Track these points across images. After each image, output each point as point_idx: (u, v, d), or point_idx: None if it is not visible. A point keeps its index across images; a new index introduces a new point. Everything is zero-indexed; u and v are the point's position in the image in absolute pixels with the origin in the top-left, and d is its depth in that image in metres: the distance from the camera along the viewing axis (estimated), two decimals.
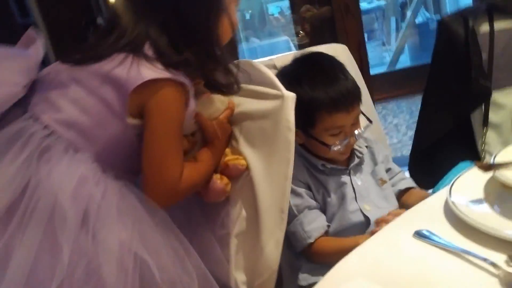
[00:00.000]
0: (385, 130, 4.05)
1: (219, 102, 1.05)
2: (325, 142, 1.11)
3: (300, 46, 3.02)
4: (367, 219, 1.15)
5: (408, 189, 1.26)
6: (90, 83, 0.90)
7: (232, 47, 2.45)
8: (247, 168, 1.00)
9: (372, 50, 7.10)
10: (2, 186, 0.82)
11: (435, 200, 0.90)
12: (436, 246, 0.77)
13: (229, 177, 1.04)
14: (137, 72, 0.88)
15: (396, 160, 3.14)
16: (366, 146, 1.24)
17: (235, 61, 1.11)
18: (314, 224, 1.11)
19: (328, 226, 1.13)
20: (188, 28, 0.94)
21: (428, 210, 0.89)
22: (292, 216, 1.12)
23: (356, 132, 1.13)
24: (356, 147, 1.21)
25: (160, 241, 0.90)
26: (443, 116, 1.56)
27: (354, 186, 1.17)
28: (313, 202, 1.14)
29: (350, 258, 0.78)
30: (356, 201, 1.16)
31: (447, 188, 0.88)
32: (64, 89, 0.90)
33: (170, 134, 0.91)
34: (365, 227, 1.15)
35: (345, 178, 1.18)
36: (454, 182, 0.90)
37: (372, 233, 0.96)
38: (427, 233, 0.80)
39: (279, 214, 0.96)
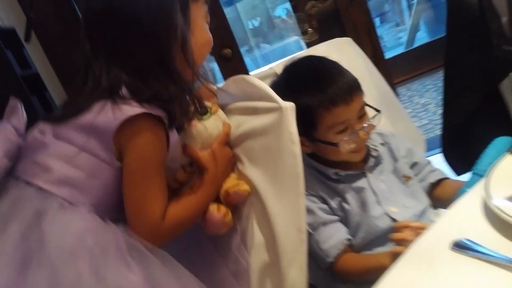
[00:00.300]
0: (413, 112, 3.91)
1: (212, 127, 0.99)
2: (332, 141, 1.02)
3: (309, 44, 2.96)
4: (396, 222, 1.01)
5: (439, 181, 1.14)
6: (75, 138, 0.88)
7: (238, 60, 2.43)
8: (251, 192, 0.93)
9: (387, 33, 6.95)
10: (5, 261, 0.80)
11: (470, 200, 0.76)
12: (480, 259, 0.63)
13: (232, 205, 0.97)
14: (113, 116, 0.85)
15: (429, 143, 3.02)
16: (382, 144, 1.14)
17: (228, 79, 1.07)
18: (331, 242, 1.01)
19: (349, 239, 1.02)
20: (156, 62, 0.89)
21: (464, 213, 0.75)
22: (308, 235, 1.03)
23: (365, 125, 1.03)
24: (370, 146, 1.11)
25: (172, 282, 0.86)
26: (469, 90, 1.46)
27: (374, 189, 1.06)
28: (328, 217, 1.04)
29: (383, 285, 0.66)
30: (380, 204, 1.05)
31: (482, 183, 0.76)
32: (50, 149, 0.89)
33: (147, 172, 0.88)
34: (395, 232, 1.04)
35: (362, 183, 1.07)
36: (490, 175, 0.75)
37: (394, 254, 0.84)
38: (467, 243, 0.66)
39: (298, 235, 0.88)
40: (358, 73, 1.19)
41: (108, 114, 0.85)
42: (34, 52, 2.05)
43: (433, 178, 1.13)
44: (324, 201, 1.05)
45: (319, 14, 2.96)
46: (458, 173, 1.55)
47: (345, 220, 1.05)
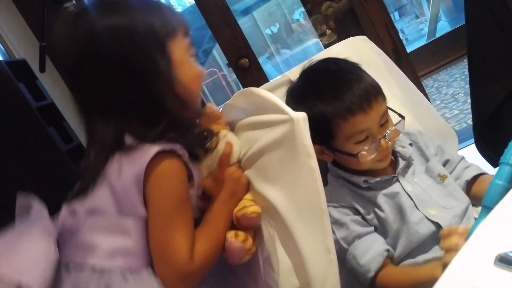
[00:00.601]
0: (442, 103, 3.80)
1: (215, 152, 0.94)
2: (351, 152, 0.95)
3: (329, 46, 2.91)
4: (437, 225, 0.96)
5: (476, 178, 1.05)
6: (106, 206, 0.83)
7: (256, 69, 2.42)
8: (271, 213, 0.87)
9: (407, 26, 6.84)
10: None
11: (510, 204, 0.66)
12: None
13: (249, 229, 0.91)
14: (133, 169, 0.81)
15: (462, 133, 2.92)
16: (410, 144, 1.06)
17: (236, 92, 1.03)
18: (368, 255, 0.93)
19: (388, 250, 0.95)
20: (148, 105, 0.85)
21: (507, 221, 0.64)
22: (343, 251, 0.96)
23: (387, 131, 0.95)
24: (398, 148, 1.03)
25: None
26: (497, 78, 1.39)
27: (408, 193, 0.99)
28: (362, 229, 0.97)
29: None
30: (418, 208, 0.97)
31: None
32: (88, 226, 0.85)
33: (171, 211, 0.82)
34: (435, 238, 0.94)
35: (395, 187, 1.00)
36: None
37: (445, 263, 0.78)
38: None
39: (326, 256, 0.82)
40: (377, 71, 1.14)
41: (127, 170, 0.81)
42: (49, 81, 2.07)
43: (468, 175, 1.05)
44: (357, 212, 0.99)
45: (335, 14, 2.92)
46: (495, 165, 1.48)
47: (382, 230, 0.98)
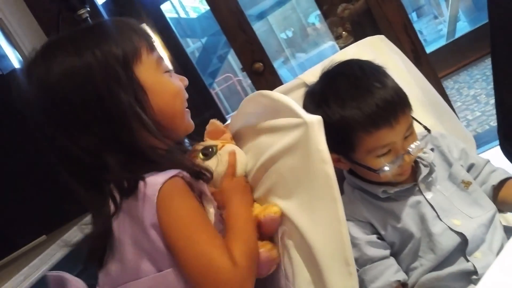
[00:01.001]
0: (463, 105, 3.71)
1: (217, 165, 0.89)
2: (372, 166, 0.88)
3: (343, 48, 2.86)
4: (462, 236, 0.89)
5: (503, 182, 0.98)
6: (133, 265, 0.75)
7: (271, 73, 2.38)
8: (285, 224, 0.82)
9: (426, 26, 6.74)
10: None
11: None
12: None
13: (267, 234, 0.86)
14: (143, 211, 0.73)
15: (484, 136, 2.83)
16: (432, 149, 0.98)
17: (244, 99, 0.98)
18: (378, 283, 0.87)
19: (398, 281, 0.88)
20: (124, 139, 0.77)
21: None
22: None
23: (412, 146, 0.87)
24: (419, 154, 0.95)
25: None
26: None
27: (430, 202, 0.92)
28: (375, 253, 0.90)
29: None
30: (440, 219, 0.90)
31: None
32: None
33: (191, 228, 0.74)
34: (464, 247, 0.89)
35: (417, 197, 0.93)
36: None
37: None
38: None
39: (346, 268, 0.76)
40: (396, 72, 1.08)
41: (137, 211, 0.74)
42: None
43: (494, 180, 0.98)
44: (373, 228, 0.93)
45: (352, 16, 2.88)
46: None
47: (401, 243, 0.92)
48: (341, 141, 0.88)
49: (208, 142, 0.96)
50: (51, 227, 1.55)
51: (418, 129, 0.96)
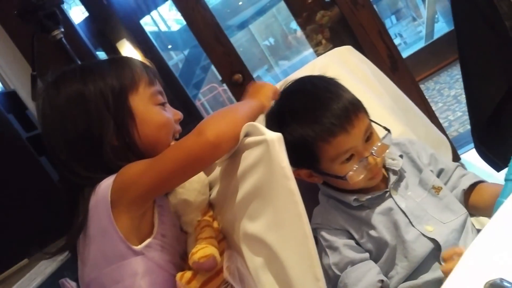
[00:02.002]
0: (444, 105, 3.75)
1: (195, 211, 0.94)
2: (338, 174, 0.90)
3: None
4: (435, 242, 0.90)
5: (473, 187, 0.98)
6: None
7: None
8: (258, 244, 0.83)
9: (405, 29, 6.81)
10: None
11: (506, 224, 0.61)
12: None
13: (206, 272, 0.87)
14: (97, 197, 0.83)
15: (466, 136, 2.86)
16: (401, 155, 0.99)
17: None
18: (361, 285, 0.87)
19: (382, 281, 0.88)
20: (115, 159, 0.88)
21: (500, 243, 0.58)
22: (335, 278, 0.91)
23: (374, 148, 0.89)
24: (388, 161, 0.97)
25: None
26: (493, 80, 1.34)
27: (402, 208, 0.93)
28: (355, 255, 0.91)
29: None
30: (413, 225, 0.91)
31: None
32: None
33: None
34: (437, 253, 0.89)
35: (388, 203, 0.93)
36: None
37: None
38: (504, 284, 0.50)
39: (315, 284, 0.76)
40: (364, 81, 1.10)
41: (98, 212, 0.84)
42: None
43: (465, 184, 0.99)
44: (351, 235, 0.94)
45: (330, 23, 2.91)
46: (498, 169, 1.42)
47: (378, 251, 0.93)
48: (305, 155, 0.90)
49: None
50: (33, 250, 1.54)
51: (382, 133, 0.98)
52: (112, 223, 0.81)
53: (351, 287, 0.88)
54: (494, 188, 0.94)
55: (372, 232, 0.92)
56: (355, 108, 0.89)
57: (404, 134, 1.08)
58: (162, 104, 0.95)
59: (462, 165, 1.06)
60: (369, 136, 0.91)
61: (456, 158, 2.26)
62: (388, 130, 0.92)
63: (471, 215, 0.98)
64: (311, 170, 0.94)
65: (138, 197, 0.82)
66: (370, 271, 0.89)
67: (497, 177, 1.49)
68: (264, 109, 0.95)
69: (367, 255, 0.92)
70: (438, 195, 0.95)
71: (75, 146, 0.87)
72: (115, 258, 0.83)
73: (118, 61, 0.95)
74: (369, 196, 0.93)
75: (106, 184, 0.82)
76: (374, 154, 0.89)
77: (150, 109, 0.92)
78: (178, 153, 0.82)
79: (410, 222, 0.91)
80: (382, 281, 0.88)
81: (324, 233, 0.93)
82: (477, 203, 0.97)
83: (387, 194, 0.95)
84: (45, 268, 1.27)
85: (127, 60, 0.97)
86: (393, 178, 0.95)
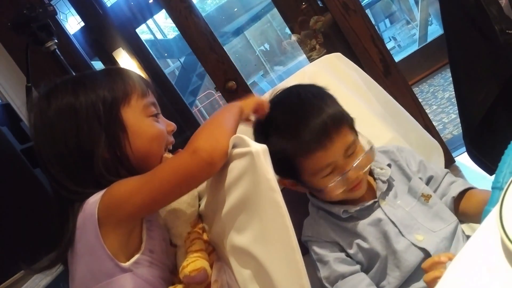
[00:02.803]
0: (439, 108, 3.76)
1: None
2: (318, 187, 0.90)
3: None
4: (425, 252, 0.89)
5: (463, 193, 0.98)
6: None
7: (244, 91, 2.40)
8: (247, 258, 0.82)
9: (399, 32, 6.84)
10: None
11: (487, 235, 0.58)
12: None
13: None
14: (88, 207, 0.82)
15: (461, 138, 2.86)
16: (389, 164, 0.98)
17: None
18: None
19: None
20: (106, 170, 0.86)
21: (483, 252, 0.57)
22: None
23: (356, 161, 0.88)
24: (376, 170, 0.96)
25: None
26: (483, 82, 1.35)
27: (391, 219, 0.92)
28: (346, 269, 0.90)
29: None
30: (403, 235, 0.91)
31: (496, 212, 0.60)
32: None
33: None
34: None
35: (378, 214, 0.93)
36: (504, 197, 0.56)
37: None
38: None
39: None
40: (354, 88, 1.11)
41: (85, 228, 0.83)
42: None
43: (454, 191, 0.98)
44: (341, 248, 0.94)
45: (324, 28, 2.92)
46: (490, 172, 1.43)
47: (369, 262, 0.93)
48: (287, 168, 0.90)
49: None
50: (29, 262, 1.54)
51: (379, 143, 0.98)
52: (99, 241, 0.80)
53: None
54: (482, 196, 0.94)
55: (363, 244, 0.92)
56: (336, 123, 0.88)
57: (394, 140, 1.08)
58: (155, 115, 0.94)
59: (457, 168, 1.05)
60: (352, 151, 0.89)
61: (450, 160, 2.27)
62: (371, 143, 0.91)
63: (462, 222, 0.98)
64: (295, 181, 0.94)
65: (128, 216, 0.81)
66: (361, 283, 0.89)
67: (492, 179, 1.50)
68: (242, 114, 0.93)
69: (358, 267, 0.92)
70: (427, 203, 0.95)
71: (65, 159, 0.86)
72: (103, 276, 0.82)
73: (111, 73, 0.95)
74: (358, 208, 0.93)
75: (94, 201, 0.81)
76: (354, 169, 0.88)
77: (142, 121, 0.91)
78: (172, 172, 0.80)
79: (400, 232, 0.91)
80: None
81: (314, 247, 0.94)
82: (467, 210, 0.97)
83: (376, 204, 0.94)
84: (39, 280, 1.26)
85: (120, 72, 0.96)
86: (383, 187, 0.95)
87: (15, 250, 1.51)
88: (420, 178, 0.99)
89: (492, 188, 0.78)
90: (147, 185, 0.80)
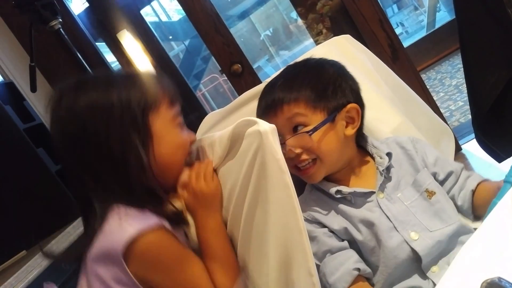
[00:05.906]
0: (446, 95, 3.73)
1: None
2: None
3: None
4: (415, 254, 0.86)
5: (477, 187, 0.94)
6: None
7: (249, 74, 2.37)
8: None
9: (407, 18, 6.76)
10: None
11: (501, 224, 0.59)
12: None
13: None
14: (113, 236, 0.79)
15: (467, 125, 2.84)
16: (388, 153, 0.94)
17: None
18: (338, 273, 0.84)
19: (358, 269, 0.85)
20: (128, 176, 0.84)
21: (496, 243, 0.56)
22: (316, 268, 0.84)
23: (288, 138, 0.90)
24: (377, 158, 0.93)
25: None
26: (494, 68, 1.32)
27: (386, 213, 0.88)
28: (334, 244, 0.88)
29: None
30: (397, 230, 0.87)
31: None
32: None
33: (176, 274, 0.81)
34: (415, 263, 0.86)
35: (374, 206, 0.90)
36: None
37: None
38: (503, 284, 0.49)
39: (309, 279, 0.75)
40: (363, 70, 1.08)
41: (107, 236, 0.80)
42: (37, 102, 2.04)
43: (472, 185, 0.94)
44: (326, 227, 0.91)
45: (331, 12, 2.88)
46: (499, 159, 1.41)
47: (356, 251, 0.90)
48: None
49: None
50: (30, 242, 1.54)
51: (388, 128, 0.95)
52: (128, 274, 0.79)
53: (329, 276, 0.86)
54: (491, 186, 0.91)
55: (352, 232, 0.89)
56: (276, 104, 0.92)
57: (403, 125, 1.06)
58: (181, 124, 0.93)
59: (464, 156, 1.03)
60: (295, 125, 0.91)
61: (457, 148, 2.24)
62: (309, 131, 0.89)
63: (478, 218, 0.94)
64: None
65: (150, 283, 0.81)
66: (348, 260, 0.87)
67: (498, 167, 1.48)
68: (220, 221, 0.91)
69: (346, 243, 0.90)
70: (430, 200, 0.91)
71: (90, 157, 0.84)
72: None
73: (141, 77, 0.92)
74: (352, 190, 0.90)
75: (118, 242, 0.78)
76: (287, 144, 0.89)
77: (170, 130, 0.90)
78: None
79: (395, 227, 0.88)
80: (359, 269, 0.86)
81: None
82: (479, 203, 0.94)
83: (374, 194, 0.91)
84: (41, 260, 1.26)
85: (150, 77, 0.94)
86: (380, 179, 0.92)
87: (17, 230, 1.51)
88: (434, 173, 0.95)
89: (504, 181, 0.76)
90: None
